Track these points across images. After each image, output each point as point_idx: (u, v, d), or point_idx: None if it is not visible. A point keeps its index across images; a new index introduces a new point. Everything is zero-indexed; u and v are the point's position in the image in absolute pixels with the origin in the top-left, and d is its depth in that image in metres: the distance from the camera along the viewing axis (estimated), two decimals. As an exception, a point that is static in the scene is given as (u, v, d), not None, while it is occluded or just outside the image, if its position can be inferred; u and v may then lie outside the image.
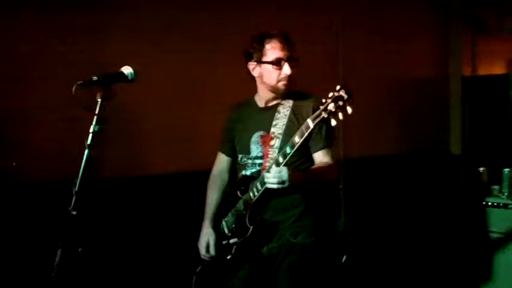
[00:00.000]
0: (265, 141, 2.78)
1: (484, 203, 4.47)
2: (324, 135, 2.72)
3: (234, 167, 3.01)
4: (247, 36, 2.80)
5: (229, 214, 2.87)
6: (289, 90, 2.78)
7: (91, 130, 2.18)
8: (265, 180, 2.55)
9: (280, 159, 2.54)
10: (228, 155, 3.03)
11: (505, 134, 5.77)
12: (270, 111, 2.81)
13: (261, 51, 2.72)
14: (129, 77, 2.29)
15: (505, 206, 4.42)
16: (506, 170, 4.59)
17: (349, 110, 2.29)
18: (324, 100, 2.35)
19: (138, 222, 4.13)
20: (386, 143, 5.68)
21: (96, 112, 2.18)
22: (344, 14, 5.10)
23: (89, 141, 2.18)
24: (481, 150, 5.90)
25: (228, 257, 2.78)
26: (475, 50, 6.35)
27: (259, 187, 2.64)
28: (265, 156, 2.76)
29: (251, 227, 2.69)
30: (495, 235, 4.34)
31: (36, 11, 3.77)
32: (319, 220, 2.77)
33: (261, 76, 2.77)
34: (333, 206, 4.92)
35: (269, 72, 2.73)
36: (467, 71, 6.31)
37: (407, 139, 5.87)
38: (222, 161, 3.06)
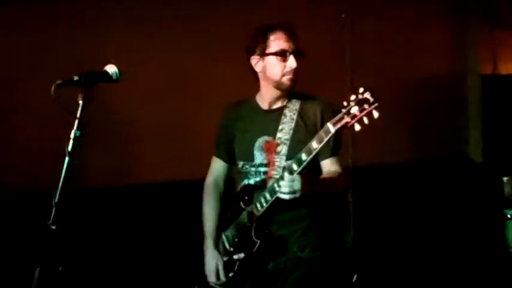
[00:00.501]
0: (270, 147, 2.75)
1: (509, 216, 4.46)
2: (332, 141, 2.68)
3: (230, 174, 2.98)
4: (249, 29, 2.78)
5: (231, 227, 2.82)
6: (295, 92, 2.77)
7: (72, 135, 2.14)
8: (278, 189, 2.54)
9: (295, 167, 2.50)
10: (224, 161, 2.96)
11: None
12: (275, 114, 2.78)
13: (264, 43, 2.70)
14: (114, 77, 2.25)
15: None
16: (532, 178, 4.59)
17: (376, 114, 2.28)
18: (345, 103, 2.32)
19: (126, 238, 4.09)
20: (398, 149, 5.66)
21: (78, 115, 2.14)
22: (352, 3, 5.10)
23: (69, 148, 2.13)
24: (504, 158, 5.88)
25: (230, 275, 2.76)
26: (496, 46, 6.35)
27: (269, 197, 2.61)
28: (270, 163, 2.73)
29: (258, 241, 2.66)
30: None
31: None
32: (326, 234, 2.77)
33: (264, 70, 2.75)
34: (340, 219, 4.91)
35: (273, 65, 2.71)
36: (487, 69, 6.30)
37: (421, 145, 5.86)
38: (217, 167, 2.98)
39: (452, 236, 4.96)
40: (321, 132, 2.42)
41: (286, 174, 2.52)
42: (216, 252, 2.85)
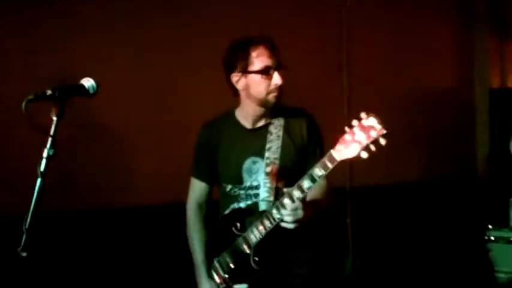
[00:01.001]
0: (258, 168, 2.78)
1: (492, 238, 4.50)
2: (319, 155, 2.71)
3: (211, 195, 2.99)
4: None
5: (225, 254, 2.82)
6: (277, 105, 2.78)
7: (44, 155, 2.12)
8: (278, 216, 2.57)
9: (296, 194, 2.54)
10: (206, 182, 2.96)
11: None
12: (261, 133, 2.80)
13: (246, 59, 2.70)
14: (91, 91, 2.24)
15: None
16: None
17: (383, 141, 2.33)
18: (347, 129, 2.37)
19: (105, 265, 4.09)
20: (401, 168, 5.67)
21: (51, 133, 2.13)
22: (352, 10, 5.15)
23: (42, 168, 2.12)
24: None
25: None
26: (504, 59, 6.39)
27: (269, 225, 2.63)
28: (261, 185, 2.76)
29: (258, 268, 2.68)
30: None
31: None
32: (324, 257, 2.89)
33: (247, 88, 2.75)
34: (338, 244, 4.91)
35: (257, 83, 2.71)
36: (495, 83, 6.33)
37: (425, 163, 5.87)
38: (198, 188, 2.97)
39: (459, 262, 4.98)
40: (325, 160, 2.46)
41: (287, 201, 2.55)
42: (211, 282, 2.85)
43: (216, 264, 2.86)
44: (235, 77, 2.76)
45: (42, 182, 2.11)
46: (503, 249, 4.57)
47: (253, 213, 2.71)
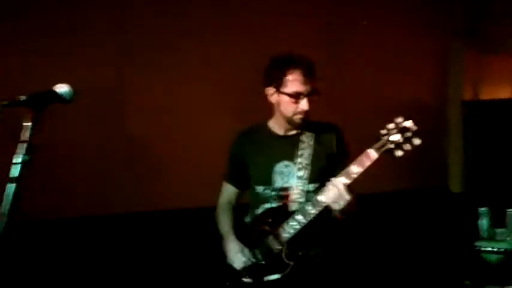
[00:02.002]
0: (291, 171, 2.96)
1: (488, 249, 4.55)
2: (345, 163, 2.86)
3: (239, 200, 3.21)
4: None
5: (255, 251, 2.95)
6: (308, 121, 2.98)
7: (20, 160, 2.11)
8: (315, 213, 2.74)
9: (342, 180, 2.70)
10: (237, 186, 3.20)
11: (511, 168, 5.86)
12: (293, 140, 3.00)
13: (281, 79, 2.89)
14: (67, 97, 2.24)
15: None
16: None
17: (418, 141, 2.61)
18: (384, 131, 2.64)
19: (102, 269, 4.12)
20: (373, 178, 5.67)
21: (26, 139, 2.13)
22: (330, 27, 5.21)
23: (16, 174, 2.11)
24: (484, 187, 5.97)
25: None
26: (478, 71, 6.47)
27: (303, 220, 2.79)
28: (293, 188, 2.94)
29: (291, 263, 2.84)
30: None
31: None
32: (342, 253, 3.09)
33: (277, 104, 2.96)
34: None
35: (286, 103, 2.91)
36: (468, 95, 6.41)
37: (398, 174, 5.91)
38: (229, 192, 3.22)
39: (431, 272, 5.02)
40: (362, 157, 2.68)
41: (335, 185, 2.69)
42: (239, 242, 3.02)
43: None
44: (269, 91, 2.96)
45: (17, 188, 2.10)
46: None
47: (284, 213, 2.88)
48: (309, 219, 2.78)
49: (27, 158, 2.11)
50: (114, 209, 4.21)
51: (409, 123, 2.63)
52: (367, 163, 2.67)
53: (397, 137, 2.62)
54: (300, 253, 2.87)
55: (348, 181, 2.69)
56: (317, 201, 2.75)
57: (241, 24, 4.81)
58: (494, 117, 6.17)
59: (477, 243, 4.71)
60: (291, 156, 2.97)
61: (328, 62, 5.19)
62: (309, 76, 2.87)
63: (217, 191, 3.23)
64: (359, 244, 5.22)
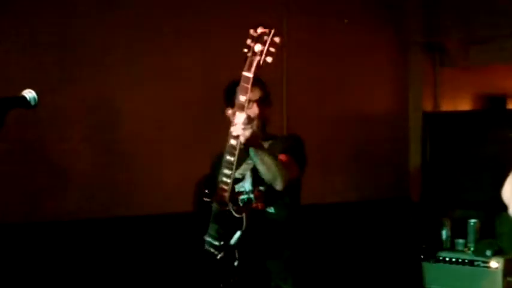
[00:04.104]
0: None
1: (447, 259, 4.62)
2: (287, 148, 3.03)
3: None
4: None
5: (210, 225, 2.96)
6: (268, 134, 3.10)
7: None
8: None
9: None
10: None
11: (471, 179, 5.94)
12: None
13: (233, 95, 2.96)
14: (32, 103, 2.25)
15: (471, 263, 4.58)
16: (473, 221, 4.76)
17: (278, 39, 2.70)
18: (246, 50, 2.71)
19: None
20: (333, 188, 5.75)
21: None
22: (286, 35, 5.23)
23: None
24: (443, 197, 6.05)
25: (235, 264, 2.89)
26: (438, 82, 6.57)
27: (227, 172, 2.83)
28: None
29: (243, 215, 2.85)
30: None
31: None
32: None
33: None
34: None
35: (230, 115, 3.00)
36: (428, 106, 6.51)
37: (358, 184, 5.97)
38: None
39: (388, 278, 5.08)
40: (242, 84, 2.75)
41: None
42: None
43: (208, 240, 2.97)
44: (228, 112, 3.09)
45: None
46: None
47: (214, 178, 2.97)
48: (232, 166, 2.82)
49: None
50: (107, 213, 4.25)
51: (259, 30, 2.70)
52: (247, 85, 2.74)
53: (258, 47, 2.69)
54: (246, 206, 2.90)
55: (243, 112, 2.75)
56: (231, 134, 2.80)
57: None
58: (454, 129, 6.26)
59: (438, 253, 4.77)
60: (240, 164, 3.00)
61: (289, 74, 5.25)
62: (256, 85, 2.92)
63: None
64: (319, 252, 5.25)
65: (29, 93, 2.26)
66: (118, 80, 4.39)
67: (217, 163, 3.18)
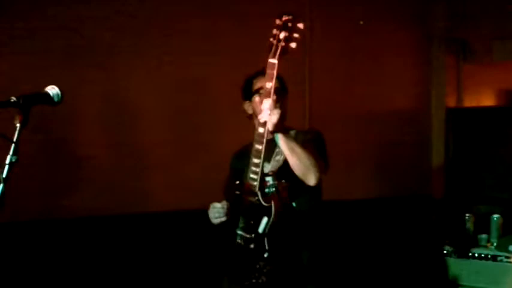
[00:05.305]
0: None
1: (470, 254, 4.59)
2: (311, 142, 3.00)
3: None
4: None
5: (240, 219, 2.97)
6: (286, 127, 3.00)
7: (7, 161, 2.14)
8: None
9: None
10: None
11: (494, 175, 5.91)
12: (270, 144, 2.94)
13: (250, 87, 3.11)
14: (55, 99, 2.26)
15: (494, 258, 4.55)
16: (496, 216, 4.73)
17: (301, 25, 2.74)
18: (271, 38, 2.73)
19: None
20: (359, 185, 5.74)
21: (14, 140, 2.15)
22: (311, 34, 5.24)
23: (4, 174, 2.13)
24: (467, 194, 6.02)
25: (266, 255, 2.88)
26: (461, 78, 6.53)
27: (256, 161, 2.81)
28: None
29: (272, 203, 2.85)
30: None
31: None
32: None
33: (253, 111, 3.07)
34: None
35: (256, 105, 3.02)
36: (451, 102, 6.48)
37: (382, 181, 5.95)
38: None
39: (414, 278, 5.05)
40: (267, 70, 2.75)
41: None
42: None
43: (240, 234, 2.98)
44: (245, 105, 3.16)
45: (3, 188, 2.12)
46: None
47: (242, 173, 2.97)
48: (260, 154, 2.80)
49: (14, 158, 2.13)
50: (107, 210, 4.26)
51: (284, 17, 2.74)
52: (273, 71, 2.75)
53: (283, 34, 2.72)
54: (276, 194, 2.88)
55: (269, 99, 2.75)
56: (258, 122, 2.81)
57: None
58: (478, 125, 6.22)
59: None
60: (268, 158, 2.99)
61: (312, 70, 5.25)
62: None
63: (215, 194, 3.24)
64: (343, 250, 5.24)
65: (53, 90, 2.27)
66: (134, 82, 4.47)
67: (236, 161, 3.25)
